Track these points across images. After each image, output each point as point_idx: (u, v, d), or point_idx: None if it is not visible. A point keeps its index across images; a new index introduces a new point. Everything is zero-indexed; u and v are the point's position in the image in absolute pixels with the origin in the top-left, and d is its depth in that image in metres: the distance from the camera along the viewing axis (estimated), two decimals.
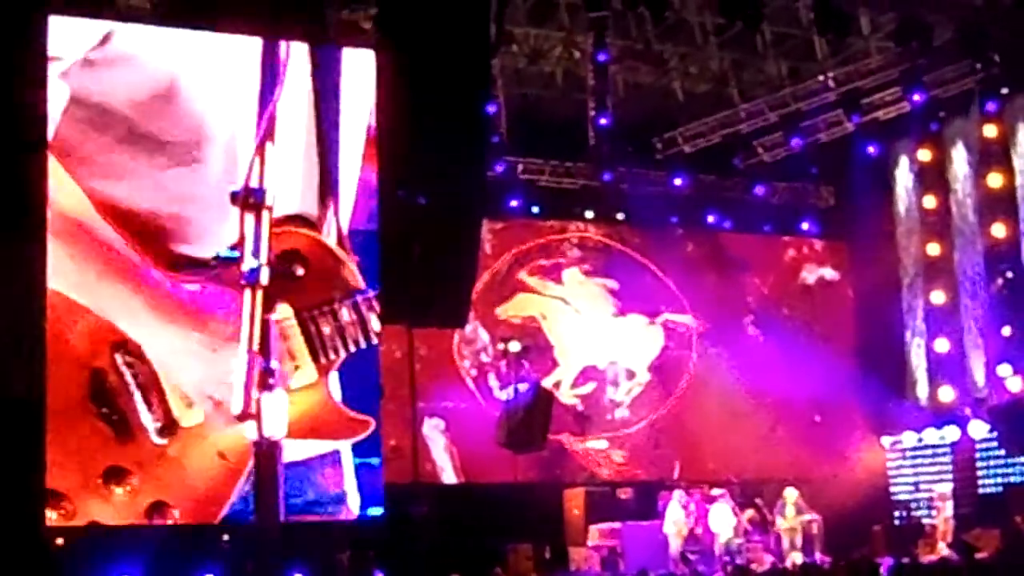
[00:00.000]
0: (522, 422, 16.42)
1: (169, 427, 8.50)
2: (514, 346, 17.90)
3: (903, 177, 20.45)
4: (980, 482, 18.47)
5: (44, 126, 10.46)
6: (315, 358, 8.30)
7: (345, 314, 8.13)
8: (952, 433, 18.89)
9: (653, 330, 20.16)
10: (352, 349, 8.54)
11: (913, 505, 19.40)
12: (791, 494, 17.40)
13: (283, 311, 7.56)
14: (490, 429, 17.02)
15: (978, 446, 18.57)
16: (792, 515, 17.29)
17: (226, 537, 12.86)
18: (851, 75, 18.96)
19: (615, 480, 19.21)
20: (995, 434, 18.18)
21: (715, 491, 17.38)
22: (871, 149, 20.04)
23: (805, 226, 21.50)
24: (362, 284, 8.84)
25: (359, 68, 11.00)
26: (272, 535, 13.17)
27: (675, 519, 16.85)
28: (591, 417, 19.63)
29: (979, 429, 18.44)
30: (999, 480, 18.20)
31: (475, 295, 16.97)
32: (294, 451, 9.65)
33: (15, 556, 11.63)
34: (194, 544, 12.45)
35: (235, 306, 7.34)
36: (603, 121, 18.44)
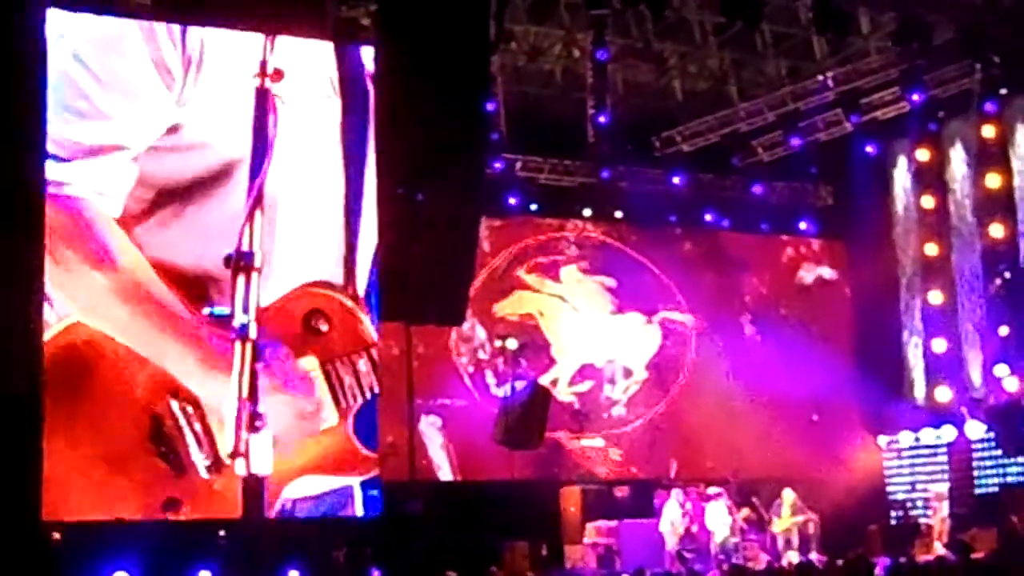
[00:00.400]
0: (519, 420, 16.40)
1: (215, 465, 9.33)
2: (511, 344, 17.91)
3: (901, 177, 20.45)
4: (976, 482, 18.47)
5: (42, 126, 10.48)
6: (336, 403, 9.33)
7: (362, 365, 9.22)
8: (949, 433, 18.90)
9: (651, 328, 20.15)
10: (368, 396, 9.42)
11: (909, 505, 19.39)
12: (788, 495, 17.42)
13: (310, 363, 8.62)
14: (487, 427, 17.00)
15: (975, 446, 18.57)
16: (788, 516, 17.31)
17: (222, 533, 12.87)
18: (850, 75, 18.96)
19: (612, 478, 19.21)
20: (992, 434, 18.18)
21: (712, 490, 17.37)
22: (870, 149, 20.02)
23: (803, 225, 21.47)
24: (375, 338, 9.80)
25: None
26: (269, 532, 13.22)
27: (672, 518, 16.85)
28: (588, 415, 19.62)
29: (976, 429, 18.45)
30: (995, 480, 18.19)
31: (473, 292, 17.00)
32: (307, 487, 10.57)
33: (12, 550, 11.64)
34: (191, 540, 12.45)
35: (274, 359, 8.41)
36: (602, 119, 18.42)
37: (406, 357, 17.12)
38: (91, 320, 9.05)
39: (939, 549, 16.33)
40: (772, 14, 17.50)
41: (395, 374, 16.70)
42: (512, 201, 19.56)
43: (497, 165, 18.82)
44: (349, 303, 9.17)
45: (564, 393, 19.40)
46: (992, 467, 18.27)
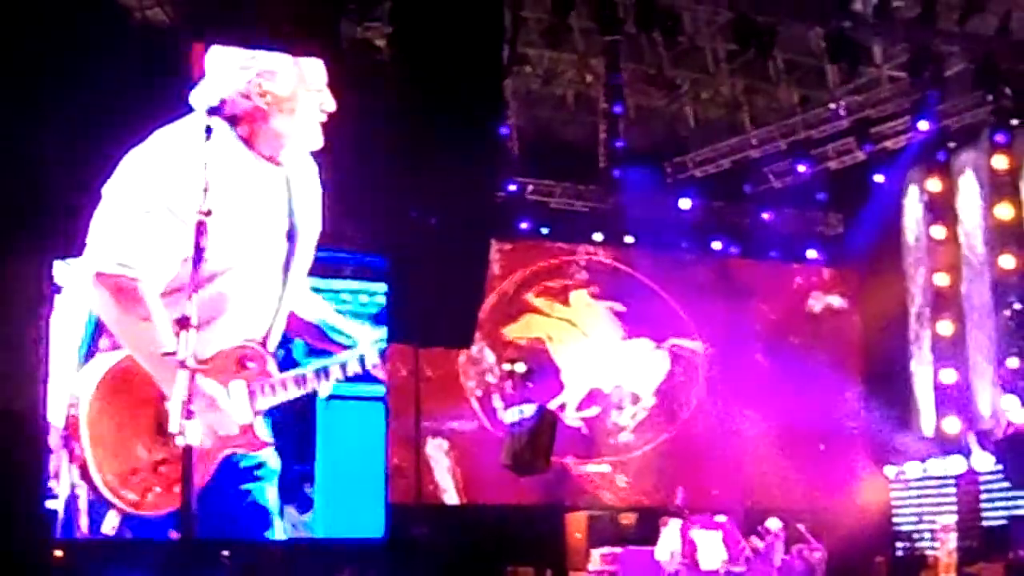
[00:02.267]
0: (526, 444, 16.36)
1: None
2: (520, 367, 17.84)
3: (912, 207, 20.38)
4: (984, 515, 18.38)
5: None
6: (251, 407, 13.02)
7: (266, 388, 12.79)
8: (957, 465, 18.81)
9: (659, 355, 20.09)
10: (267, 405, 12.94)
11: (916, 537, 19.31)
12: (773, 523, 17.43)
13: (241, 384, 12.48)
14: (494, 450, 16.95)
15: (983, 478, 18.48)
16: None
17: (226, 553, 12.87)
18: (863, 104, 18.93)
19: (618, 504, 19.15)
20: (1000, 467, 18.09)
21: (718, 518, 17.29)
22: (881, 178, 19.98)
23: (813, 254, 21.43)
24: (277, 372, 13.24)
25: None
26: (272, 553, 13.23)
27: (672, 548, 16.76)
28: (595, 440, 19.54)
29: (984, 461, 18.36)
30: (1003, 513, 18.09)
31: (482, 315, 17.03)
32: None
33: (14, 568, 11.61)
34: (194, 559, 12.38)
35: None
36: (616, 144, 18.41)
37: (414, 379, 17.16)
38: (135, 353, 12.39)
39: None
40: (785, 42, 17.51)
41: (403, 396, 16.74)
42: (523, 225, 19.55)
43: (509, 188, 18.83)
44: (264, 352, 12.85)
45: (571, 418, 19.33)
46: (1000, 499, 18.17)
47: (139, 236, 12.96)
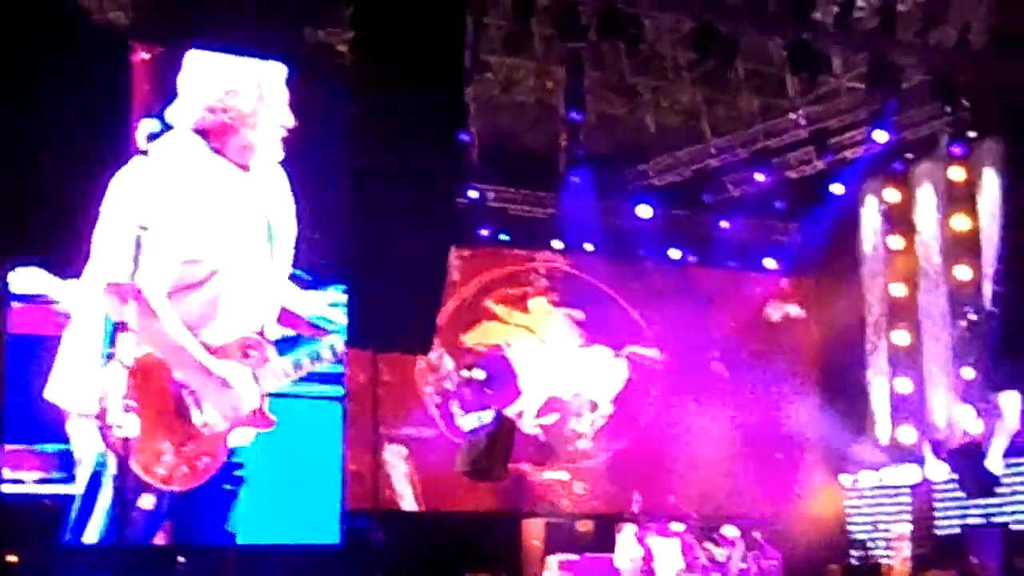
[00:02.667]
0: (484, 451, 16.37)
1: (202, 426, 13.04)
2: (478, 374, 17.85)
3: (870, 217, 20.53)
4: (938, 523, 18.54)
5: None
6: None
7: (267, 372, 13.27)
8: (912, 473, 18.96)
9: (618, 362, 20.14)
10: (272, 389, 13.34)
11: (871, 545, 19.44)
12: (730, 531, 17.51)
13: (246, 371, 12.99)
14: (452, 457, 16.94)
15: (937, 487, 18.64)
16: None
17: (181, 559, 12.78)
18: (822, 114, 19.05)
19: (575, 511, 19.16)
20: (954, 476, 18.24)
21: (675, 526, 17.34)
22: (839, 188, 20.04)
23: (771, 263, 21.52)
24: (277, 356, 13.51)
25: None
26: (228, 560, 13.15)
27: (632, 555, 16.79)
28: (553, 447, 19.56)
29: (938, 470, 18.51)
30: (957, 521, 18.26)
31: (441, 322, 16.97)
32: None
33: None
34: (149, 565, 12.34)
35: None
36: (578, 151, 18.41)
37: (372, 385, 17.10)
38: (152, 348, 12.81)
39: None
40: (746, 51, 17.56)
41: (360, 402, 16.71)
42: (483, 231, 19.51)
43: (469, 195, 18.79)
44: (264, 341, 13.29)
45: (529, 425, 19.34)
46: (954, 508, 18.34)
47: (138, 247, 13.34)
